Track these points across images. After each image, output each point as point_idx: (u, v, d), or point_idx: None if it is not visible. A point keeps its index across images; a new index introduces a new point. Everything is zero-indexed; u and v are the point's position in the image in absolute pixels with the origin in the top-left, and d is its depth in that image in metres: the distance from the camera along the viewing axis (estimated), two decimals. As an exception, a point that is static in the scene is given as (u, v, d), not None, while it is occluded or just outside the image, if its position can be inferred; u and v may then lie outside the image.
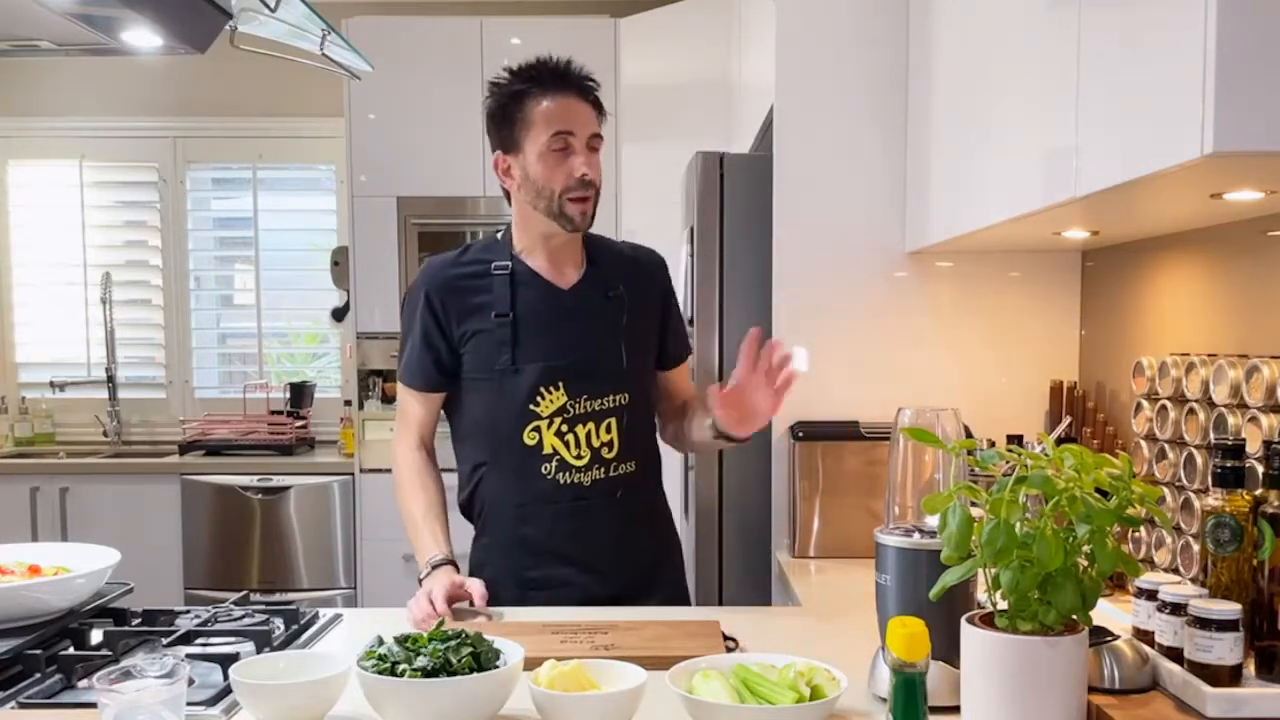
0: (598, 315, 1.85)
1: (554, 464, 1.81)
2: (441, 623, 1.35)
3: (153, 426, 4.68)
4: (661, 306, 1.96)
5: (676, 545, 2.02)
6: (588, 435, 1.82)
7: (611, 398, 1.83)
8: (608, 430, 1.83)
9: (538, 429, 1.81)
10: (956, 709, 1.21)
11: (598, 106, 1.83)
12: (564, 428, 1.81)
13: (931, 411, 1.34)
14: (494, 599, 1.79)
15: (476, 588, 1.72)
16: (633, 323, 1.87)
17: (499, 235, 1.92)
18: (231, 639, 1.53)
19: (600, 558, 1.83)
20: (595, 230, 1.92)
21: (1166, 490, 1.74)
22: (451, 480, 1.96)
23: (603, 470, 1.83)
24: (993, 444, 2.15)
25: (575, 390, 1.81)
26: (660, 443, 2.00)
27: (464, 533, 1.93)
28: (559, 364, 1.81)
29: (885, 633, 1.31)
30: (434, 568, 1.78)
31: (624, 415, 1.84)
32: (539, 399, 1.81)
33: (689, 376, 2.05)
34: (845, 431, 2.34)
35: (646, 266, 1.97)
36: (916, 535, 1.32)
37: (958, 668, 1.24)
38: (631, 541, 1.86)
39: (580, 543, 1.83)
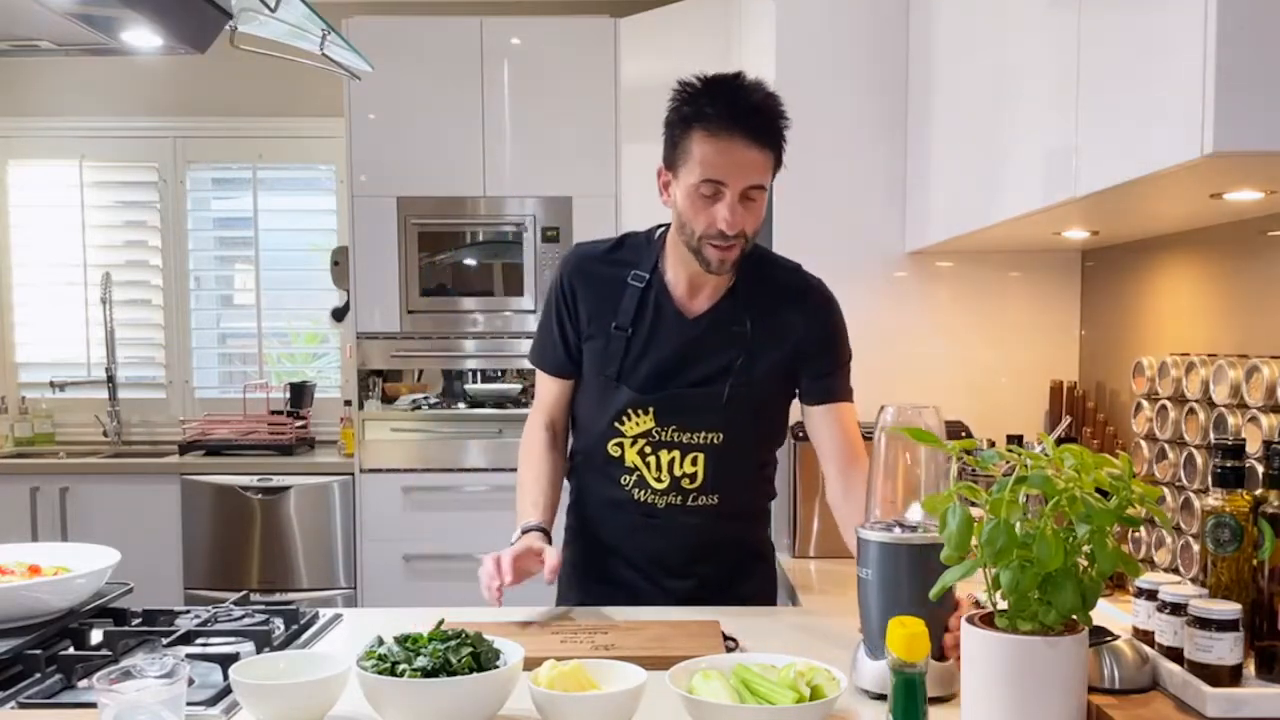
0: (713, 349, 1.76)
1: (633, 479, 1.80)
2: (441, 622, 1.35)
3: (153, 426, 4.68)
4: (804, 349, 1.79)
5: (759, 566, 1.92)
6: (670, 463, 1.77)
7: (704, 434, 1.76)
8: (693, 463, 1.77)
9: (620, 445, 1.79)
10: (941, 700, 1.22)
11: (775, 151, 1.66)
12: (647, 450, 1.78)
13: (913, 409, 1.35)
14: (564, 582, 1.84)
15: (550, 560, 1.66)
16: (749, 363, 1.76)
17: (656, 235, 1.83)
18: (231, 639, 1.53)
19: (663, 572, 1.83)
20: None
21: (1166, 490, 1.74)
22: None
23: (680, 498, 1.79)
24: (993, 444, 2.15)
25: (665, 419, 1.76)
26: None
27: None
28: (655, 392, 1.76)
29: (866, 626, 1.37)
30: (524, 533, 1.74)
31: (713, 454, 1.77)
32: (625, 419, 1.78)
33: (847, 420, 1.83)
34: (845, 431, 2.34)
35: (794, 304, 1.80)
36: (897, 530, 1.34)
37: (940, 660, 1.29)
38: (698, 565, 1.82)
39: (645, 555, 1.82)
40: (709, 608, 1.75)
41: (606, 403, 1.80)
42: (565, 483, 1.94)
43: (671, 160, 1.69)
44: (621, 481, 1.80)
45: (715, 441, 1.77)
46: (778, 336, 1.78)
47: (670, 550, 1.82)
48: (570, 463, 1.93)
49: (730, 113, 1.61)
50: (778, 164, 1.69)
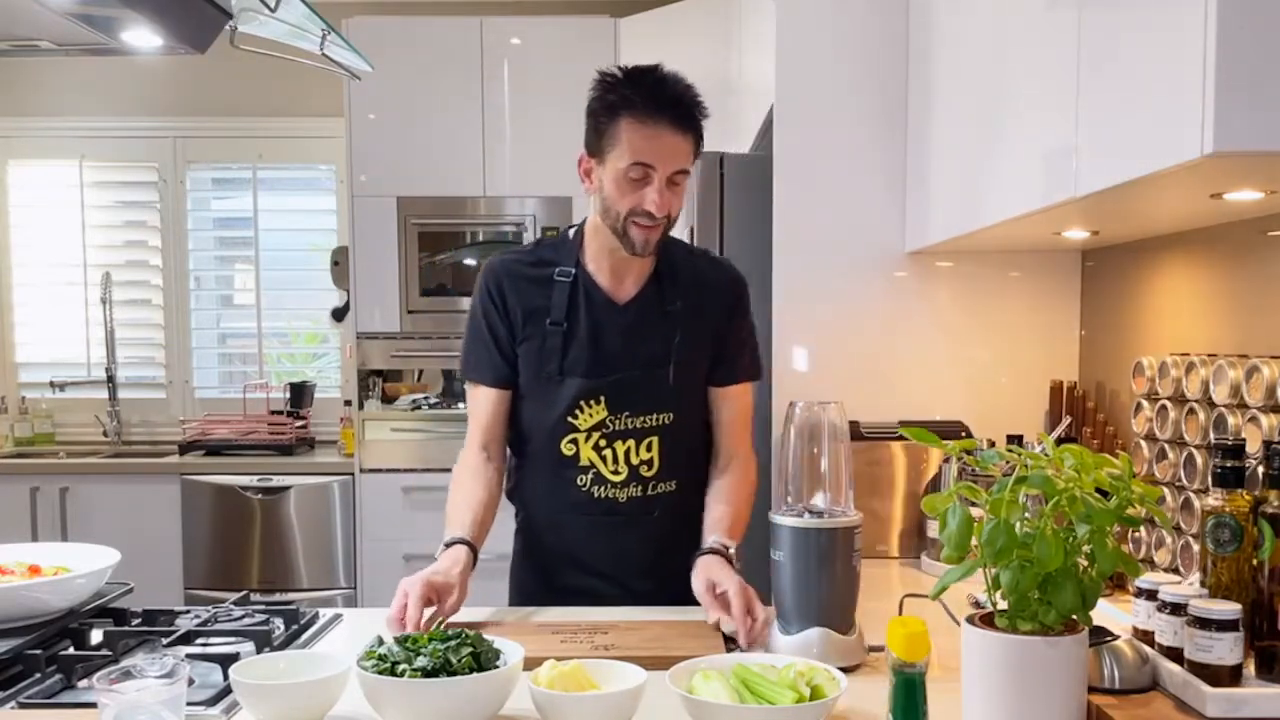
0: (650, 332, 1.81)
1: (590, 476, 1.80)
2: (441, 622, 1.35)
3: (153, 426, 4.68)
4: (723, 326, 1.86)
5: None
6: (626, 452, 1.79)
7: (654, 416, 1.80)
8: (648, 449, 1.80)
9: (575, 441, 1.80)
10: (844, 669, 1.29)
11: (697, 137, 1.74)
12: (602, 442, 1.79)
13: (819, 404, 1.52)
14: (525, 601, 1.84)
15: (450, 604, 1.59)
16: (686, 341, 1.81)
17: (571, 233, 1.88)
18: (231, 639, 1.53)
19: (629, 572, 1.83)
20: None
21: (1166, 490, 1.74)
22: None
23: (640, 488, 1.81)
24: (993, 444, 2.15)
25: (616, 406, 1.79)
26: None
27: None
28: (602, 379, 1.78)
29: (779, 603, 1.49)
30: (446, 547, 1.70)
31: (667, 435, 1.80)
32: (578, 412, 1.79)
33: (741, 404, 1.90)
34: (845, 431, 2.34)
35: (714, 284, 1.87)
36: (806, 515, 1.48)
37: (845, 634, 1.45)
38: (665, 559, 1.80)
39: (610, 557, 1.82)
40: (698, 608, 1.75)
41: (554, 400, 1.80)
42: (508, 503, 1.91)
43: (596, 147, 1.75)
44: (578, 482, 1.80)
45: (667, 422, 1.81)
46: (701, 316, 1.84)
47: (635, 547, 1.81)
48: (512, 482, 1.91)
49: (657, 101, 1.70)
50: (698, 151, 1.77)
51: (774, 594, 1.50)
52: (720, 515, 1.78)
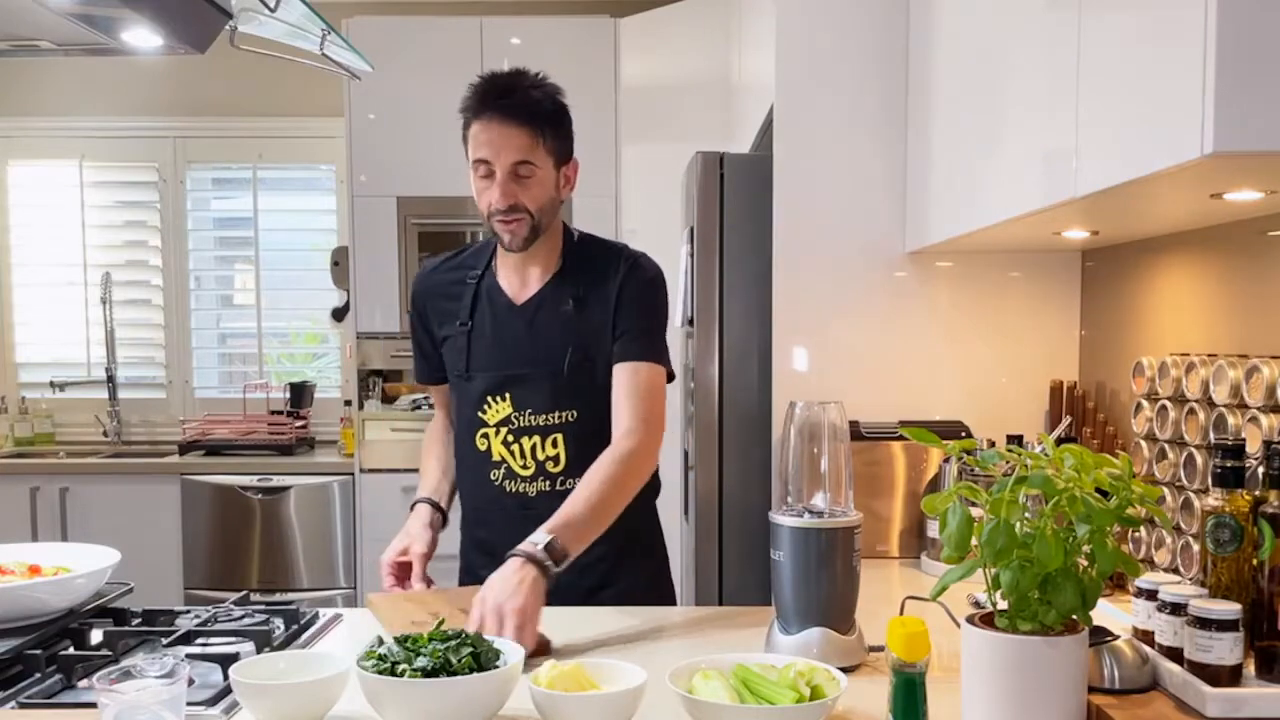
0: (547, 329, 1.84)
1: (501, 471, 1.85)
2: (441, 622, 1.35)
3: (153, 426, 4.68)
4: (612, 309, 1.83)
5: (648, 544, 1.96)
6: (533, 448, 1.83)
7: (557, 414, 1.83)
8: (554, 445, 1.83)
9: (486, 436, 1.85)
10: (844, 669, 1.29)
11: (538, 129, 1.77)
12: (510, 438, 1.84)
13: (818, 405, 1.52)
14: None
15: (415, 552, 1.81)
16: (586, 336, 1.83)
17: (491, 239, 1.92)
18: (231, 639, 1.53)
19: None
20: (591, 230, 1.95)
21: (1166, 490, 1.74)
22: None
23: (548, 483, 1.84)
24: (993, 444, 2.15)
25: (520, 403, 1.83)
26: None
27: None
28: (502, 375, 1.83)
29: (779, 602, 1.48)
30: (412, 508, 1.90)
31: (571, 431, 1.83)
32: (486, 408, 1.85)
33: (630, 383, 1.82)
34: (845, 431, 2.35)
35: (601, 270, 1.87)
36: (806, 515, 1.48)
37: (845, 634, 1.46)
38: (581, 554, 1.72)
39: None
40: (707, 608, 1.75)
41: (466, 398, 1.88)
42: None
43: (467, 155, 1.83)
44: (491, 476, 1.85)
45: (570, 420, 1.83)
46: (595, 308, 1.85)
47: None
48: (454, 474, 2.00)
49: (483, 97, 1.78)
50: (552, 143, 1.80)
51: (774, 594, 1.50)
52: (559, 511, 1.67)
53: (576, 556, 1.63)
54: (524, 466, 1.84)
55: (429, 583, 1.81)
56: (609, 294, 1.86)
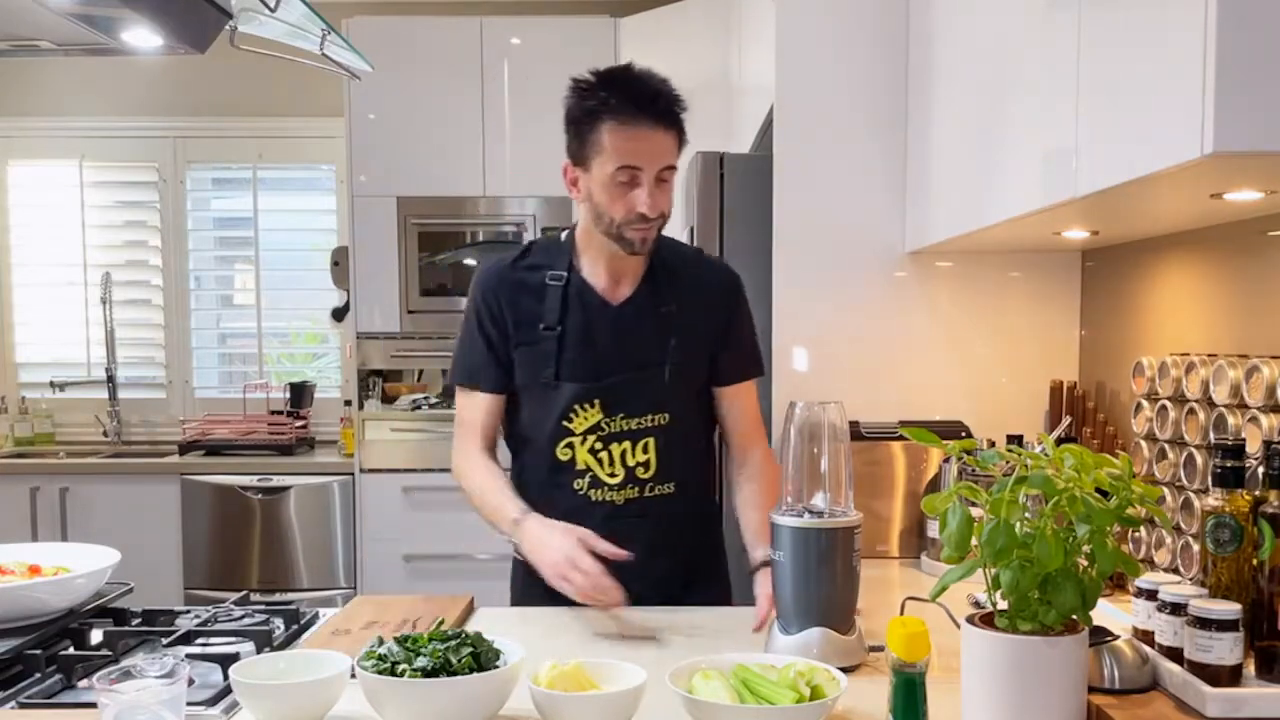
0: (644, 333, 1.80)
1: (586, 480, 1.80)
2: (441, 622, 1.35)
3: (153, 426, 4.68)
4: (722, 327, 1.86)
5: (717, 562, 1.95)
6: (623, 454, 1.79)
7: (650, 418, 1.79)
8: (644, 450, 1.79)
9: (571, 445, 1.79)
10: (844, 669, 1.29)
11: (679, 132, 1.73)
12: (598, 445, 1.78)
13: (819, 405, 1.51)
14: (524, 601, 1.85)
15: (604, 545, 1.62)
16: (683, 342, 1.80)
17: (563, 237, 1.88)
18: (231, 639, 1.53)
19: (626, 575, 1.74)
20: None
21: (1166, 490, 1.74)
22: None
23: (637, 490, 1.80)
24: (993, 444, 2.15)
25: (611, 408, 1.78)
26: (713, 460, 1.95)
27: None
28: (596, 381, 1.77)
29: (780, 603, 1.48)
30: (525, 515, 1.71)
31: (662, 436, 1.79)
32: (573, 415, 1.78)
33: (747, 401, 1.91)
34: (845, 431, 2.34)
35: (709, 283, 1.87)
36: (806, 516, 1.48)
37: (845, 634, 1.46)
38: (659, 561, 1.77)
39: (610, 561, 1.75)
40: (706, 608, 1.74)
41: (550, 405, 1.79)
42: None
43: (580, 155, 1.73)
44: (575, 486, 1.79)
45: (662, 423, 1.80)
46: (699, 316, 1.83)
47: (632, 550, 1.69)
48: (512, 485, 1.88)
49: (636, 101, 1.68)
50: (682, 146, 1.75)
51: (775, 593, 1.50)
52: (760, 524, 1.72)
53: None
54: (611, 474, 1.79)
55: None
56: (718, 304, 1.86)
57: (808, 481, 1.50)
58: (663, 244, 1.85)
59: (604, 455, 1.79)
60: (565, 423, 1.79)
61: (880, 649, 1.41)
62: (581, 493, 1.80)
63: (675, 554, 1.81)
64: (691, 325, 1.82)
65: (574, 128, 1.73)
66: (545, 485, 1.83)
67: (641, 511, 1.78)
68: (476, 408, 1.86)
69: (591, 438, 1.78)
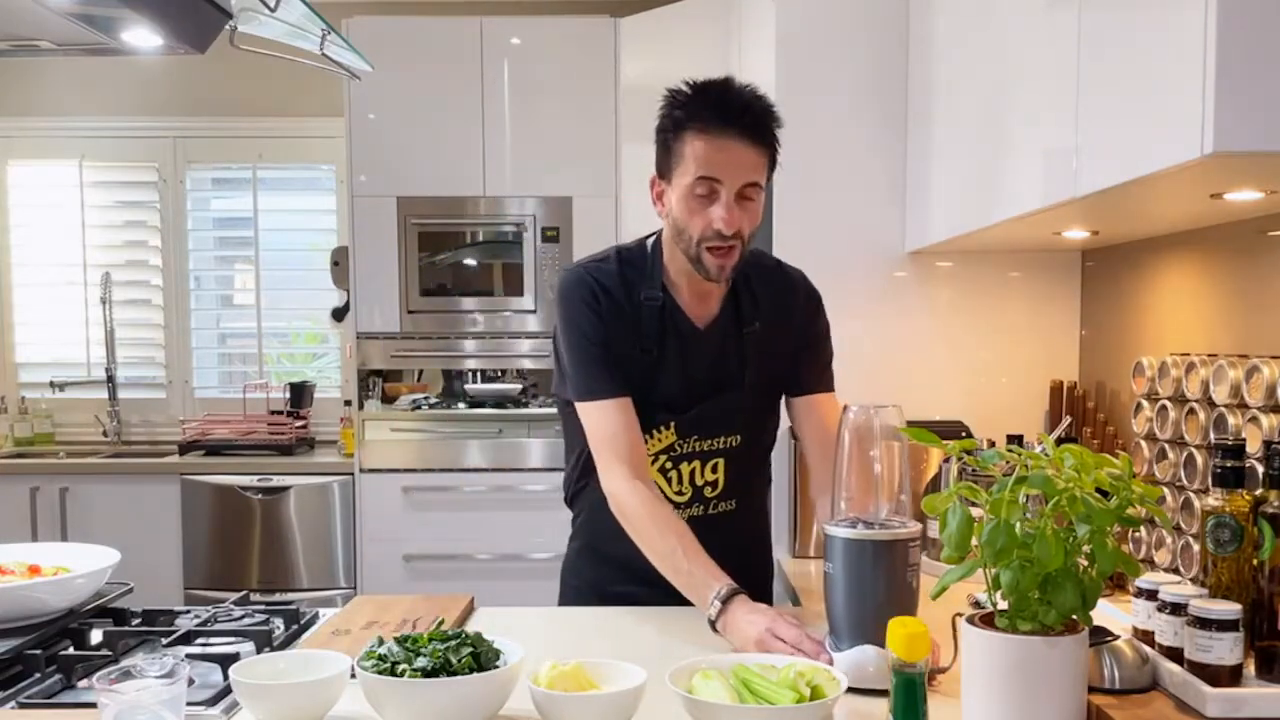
0: (727, 356, 1.77)
1: None
2: (441, 622, 1.35)
3: (153, 426, 4.68)
4: (801, 339, 1.82)
5: (766, 575, 1.95)
6: (691, 473, 1.76)
7: (723, 439, 1.76)
8: (713, 470, 1.77)
9: None
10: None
11: (769, 149, 1.66)
12: (668, 464, 1.76)
13: (873, 408, 1.43)
14: (575, 601, 1.85)
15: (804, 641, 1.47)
16: (762, 362, 1.77)
17: (650, 245, 1.80)
18: (231, 639, 1.53)
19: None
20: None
21: (1166, 490, 1.74)
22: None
23: (702, 508, 1.78)
24: (993, 444, 2.15)
25: (686, 431, 1.75)
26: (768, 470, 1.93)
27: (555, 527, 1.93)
28: (680, 406, 1.74)
29: (831, 618, 1.41)
30: (731, 596, 1.56)
31: (732, 456, 1.78)
32: (649, 437, 1.74)
33: (828, 411, 1.80)
34: (845, 431, 2.34)
35: (791, 298, 1.82)
36: (860, 527, 1.39)
37: None
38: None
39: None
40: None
41: None
42: (571, 508, 1.91)
43: (665, 166, 1.68)
44: None
45: (734, 445, 1.77)
46: (781, 334, 1.79)
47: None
48: (579, 487, 1.87)
49: (723, 111, 1.61)
50: (773, 164, 1.68)
51: (827, 608, 1.43)
52: None
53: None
54: (679, 493, 1.76)
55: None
56: (793, 319, 1.81)
57: (860, 489, 1.42)
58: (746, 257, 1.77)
59: (673, 474, 1.76)
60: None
61: (942, 671, 1.36)
62: None
63: (729, 566, 1.68)
64: (772, 342, 1.78)
65: (662, 137, 1.68)
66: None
67: (702, 527, 1.71)
68: (612, 421, 1.70)
69: (663, 458, 1.76)
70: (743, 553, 1.81)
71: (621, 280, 1.75)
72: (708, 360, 1.76)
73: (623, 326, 1.73)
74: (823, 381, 1.85)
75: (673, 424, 1.75)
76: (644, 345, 1.73)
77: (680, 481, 1.76)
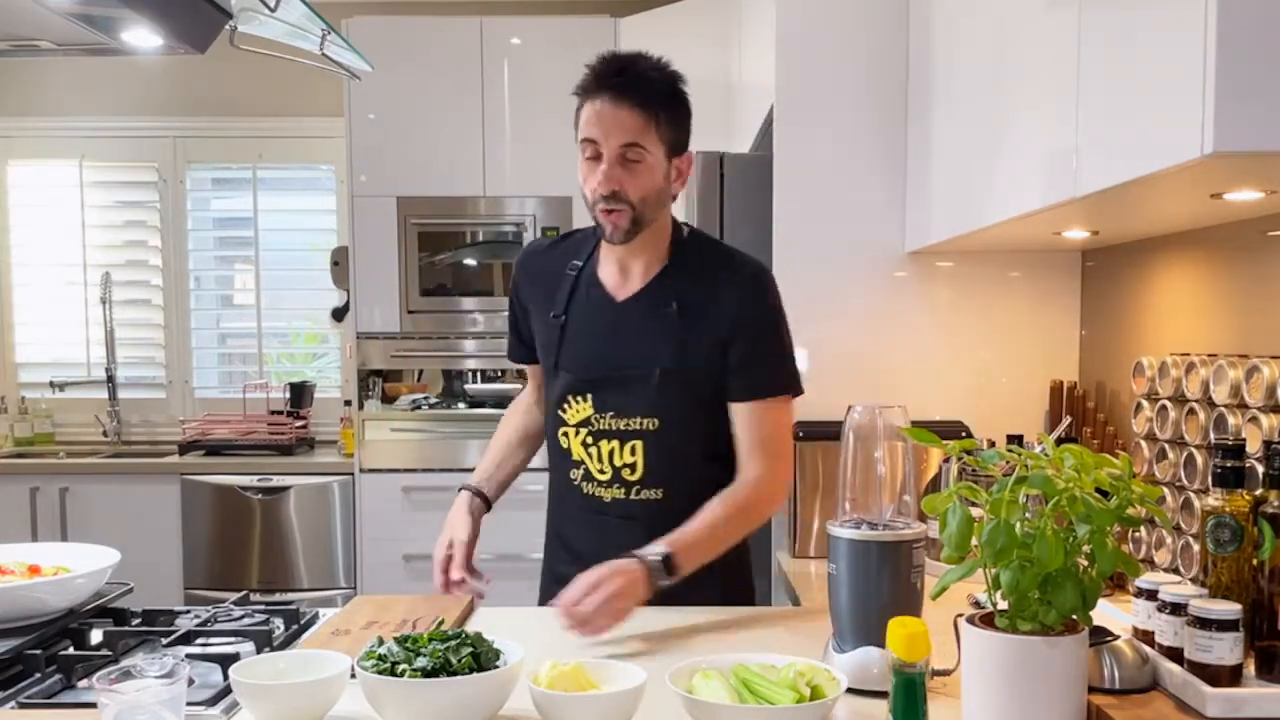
0: (642, 333, 1.75)
1: (580, 472, 1.79)
2: (441, 622, 1.35)
3: (153, 426, 4.68)
4: (728, 337, 1.73)
5: (731, 587, 1.85)
6: (611, 453, 1.76)
7: (639, 420, 1.74)
8: (632, 452, 1.75)
9: (566, 435, 1.80)
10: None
11: (652, 112, 1.68)
12: (589, 439, 1.77)
13: (878, 408, 1.42)
14: (542, 592, 1.86)
15: (458, 543, 1.78)
16: (686, 345, 1.73)
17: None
18: (231, 639, 1.53)
19: None
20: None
21: (1166, 490, 1.74)
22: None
23: (623, 491, 1.77)
24: (993, 444, 2.15)
25: (601, 405, 1.76)
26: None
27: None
28: (587, 376, 1.77)
29: (835, 619, 1.41)
30: (465, 489, 1.87)
31: (651, 441, 1.74)
32: (566, 406, 1.78)
33: (753, 420, 1.75)
34: (845, 431, 2.34)
35: (716, 279, 1.76)
36: (864, 528, 1.39)
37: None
38: None
39: (598, 554, 1.68)
40: (704, 608, 1.74)
41: (551, 391, 1.83)
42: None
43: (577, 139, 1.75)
44: (571, 475, 1.81)
45: (652, 428, 1.75)
46: (711, 319, 1.74)
47: (621, 549, 1.65)
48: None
49: (598, 76, 1.69)
50: (666, 129, 1.70)
51: (831, 609, 1.43)
52: (682, 528, 1.65)
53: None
54: (601, 471, 1.77)
55: (473, 571, 1.77)
56: (725, 310, 1.74)
57: (863, 490, 1.41)
58: (694, 240, 1.83)
59: (594, 450, 1.78)
60: (560, 412, 1.80)
61: (946, 673, 1.35)
62: (576, 483, 1.80)
63: None
64: (698, 327, 1.74)
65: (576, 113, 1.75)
66: (556, 467, 1.86)
67: (628, 514, 1.75)
68: (529, 376, 2.00)
69: (583, 431, 1.78)
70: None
71: (559, 252, 1.87)
72: (620, 334, 1.77)
73: (545, 294, 1.84)
74: (750, 388, 1.75)
75: (589, 396, 1.77)
76: (555, 311, 1.82)
77: (600, 459, 1.78)
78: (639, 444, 1.75)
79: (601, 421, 1.77)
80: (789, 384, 1.79)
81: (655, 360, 1.74)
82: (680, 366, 1.74)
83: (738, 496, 1.73)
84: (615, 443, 1.76)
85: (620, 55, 1.72)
